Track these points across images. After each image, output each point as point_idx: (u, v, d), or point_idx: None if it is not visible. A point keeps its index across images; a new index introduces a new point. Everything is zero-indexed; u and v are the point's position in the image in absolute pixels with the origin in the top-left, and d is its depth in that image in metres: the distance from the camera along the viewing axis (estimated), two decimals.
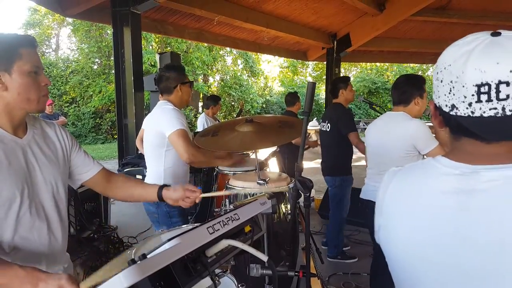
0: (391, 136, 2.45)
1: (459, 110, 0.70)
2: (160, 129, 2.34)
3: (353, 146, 3.74)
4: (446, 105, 0.72)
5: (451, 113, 0.72)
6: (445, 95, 0.72)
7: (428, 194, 0.76)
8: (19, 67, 1.17)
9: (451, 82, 0.70)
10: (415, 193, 0.80)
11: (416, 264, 0.78)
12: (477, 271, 0.67)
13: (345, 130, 3.58)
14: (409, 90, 2.44)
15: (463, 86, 0.68)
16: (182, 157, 2.30)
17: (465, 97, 0.68)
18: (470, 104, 0.68)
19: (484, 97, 0.66)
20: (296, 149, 4.69)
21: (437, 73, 0.74)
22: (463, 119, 0.70)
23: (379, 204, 0.90)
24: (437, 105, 0.76)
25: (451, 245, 0.71)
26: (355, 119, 25.00)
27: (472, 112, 0.68)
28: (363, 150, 3.41)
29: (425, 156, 2.36)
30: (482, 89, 0.66)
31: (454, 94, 0.70)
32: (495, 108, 0.66)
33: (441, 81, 0.73)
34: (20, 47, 1.17)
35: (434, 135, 2.37)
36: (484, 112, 0.67)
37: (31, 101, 1.22)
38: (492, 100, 0.66)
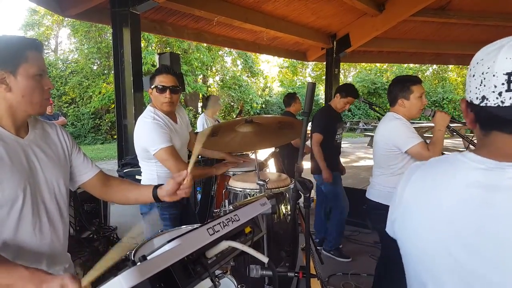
0: (377, 137, 2.57)
1: (489, 101, 0.72)
2: (144, 145, 2.30)
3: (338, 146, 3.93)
4: (477, 98, 0.74)
5: (481, 104, 0.74)
6: (476, 87, 0.74)
7: (453, 187, 0.77)
8: (25, 69, 1.18)
9: (482, 73, 0.73)
10: (439, 186, 0.80)
11: (435, 256, 0.78)
12: (496, 265, 0.67)
13: (312, 129, 3.75)
14: (393, 91, 2.53)
15: (494, 75, 0.70)
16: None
17: (495, 86, 0.71)
18: (500, 94, 0.70)
19: None
20: (295, 150, 4.71)
21: (470, 69, 0.77)
22: (493, 109, 0.72)
23: (397, 197, 0.91)
24: (469, 101, 0.78)
25: (472, 238, 0.71)
26: (354, 120, 24.73)
27: (502, 102, 0.70)
28: (316, 153, 3.71)
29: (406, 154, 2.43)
30: None
31: (485, 85, 0.72)
32: None
33: (473, 76, 0.75)
34: (27, 50, 1.18)
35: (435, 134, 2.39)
36: None
37: (34, 104, 1.23)
38: None
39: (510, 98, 0.69)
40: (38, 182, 1.27)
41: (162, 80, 2.32)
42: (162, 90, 2.31)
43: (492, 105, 0.71)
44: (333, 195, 3.88)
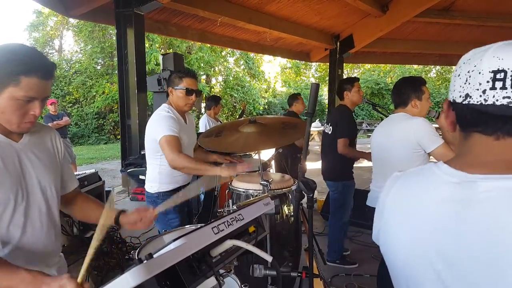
0: (394, 138, 2.43)
1: (472, 98, 0.71)
2: (154, 135, 2.39)
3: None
4: (460, 96, 0.74)
5: (464, 102, 0.73)
6: (460, 86, 0.74)
7: (427, 201, 0.77)
8: (11, 92, 1.13)
9: (468, 72, 0.72)
10: (415, 199, 0.80)
11: (416, 269, 0.78)
12: (474, 278, 0.67)
13: (338, 134, 3.50)
14: (405, 92, 2.43)
15: (480, 73, 0.70)
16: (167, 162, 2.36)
17: (480, 84, 0.70)
18: (484, 92, 0.69)
19: (498, 84, 0.68)
20: (298, 151, 4.67)
21: (456, 70, 0.76)
22: (475, 107, 0.71)
23: (380, 207, 0.90)
24: (451, 100, 0.77)
25: (449, 252, 0.71)
26: (357, 120, 24.58)
27: (485, 100, 0.69)
28: (351, 155, 3.47)
29: (431, 156, 2.34)
30: (498, 76, 0.68)
31: (469, 83, 0.72)
32: (509, 97, 0.67)
33: (459, 75, 0.75)
34: (23, 74, 1.12)
35: (440, 135, 2.35)
36: (497, 100, 0.68)
37: (12, 124, 1.20)
38: (506, 88, 0.67)
39: (493, 96, 0.68)
40: (32, 186, 1.28)
41: (190, 83, 2.46)
42: (190, 93, 2.46)
43: (475, 103, 0.71)
44: (340, 204, 3.67)
